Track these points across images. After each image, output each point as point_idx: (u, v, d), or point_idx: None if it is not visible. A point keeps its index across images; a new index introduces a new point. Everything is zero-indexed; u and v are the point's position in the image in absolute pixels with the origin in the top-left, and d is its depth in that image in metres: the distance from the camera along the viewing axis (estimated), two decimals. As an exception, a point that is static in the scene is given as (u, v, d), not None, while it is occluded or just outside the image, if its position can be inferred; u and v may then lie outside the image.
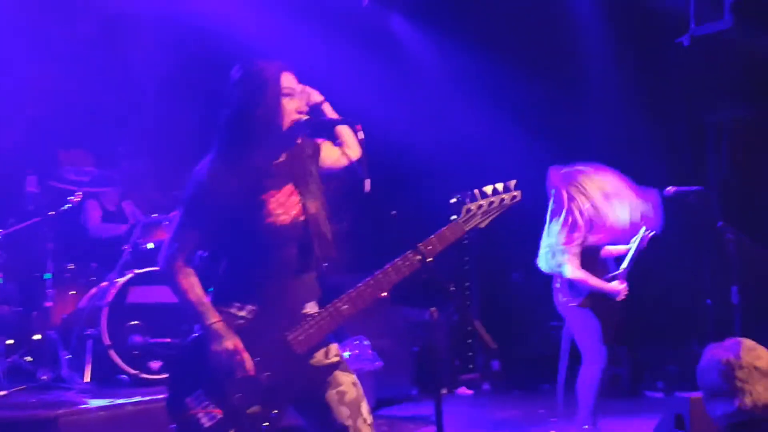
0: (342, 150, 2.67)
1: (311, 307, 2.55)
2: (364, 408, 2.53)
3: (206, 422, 2.39)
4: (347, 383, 2.53)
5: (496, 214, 2.58)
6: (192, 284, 2.48)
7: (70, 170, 5.56)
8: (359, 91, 6.71)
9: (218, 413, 2.40)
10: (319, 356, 2.52)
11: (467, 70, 7.50)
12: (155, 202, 6.12)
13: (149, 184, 6.61)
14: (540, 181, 4.61)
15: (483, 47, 7.37)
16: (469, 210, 2.54)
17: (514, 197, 2.58)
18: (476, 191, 2.55)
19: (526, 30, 7.40)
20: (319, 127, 2.57)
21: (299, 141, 2.57)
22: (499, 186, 2.57)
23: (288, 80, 2.51)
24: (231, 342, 2.40)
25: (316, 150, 2.64)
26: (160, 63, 6.84)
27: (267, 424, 2.42)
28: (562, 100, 7.43)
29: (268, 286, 2.49)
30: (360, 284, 2.50)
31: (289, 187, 2.54)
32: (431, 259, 2.45)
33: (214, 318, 2.44)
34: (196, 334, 2.50)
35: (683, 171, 6.84)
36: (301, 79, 2.56)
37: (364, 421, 2.50)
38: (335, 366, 2.54)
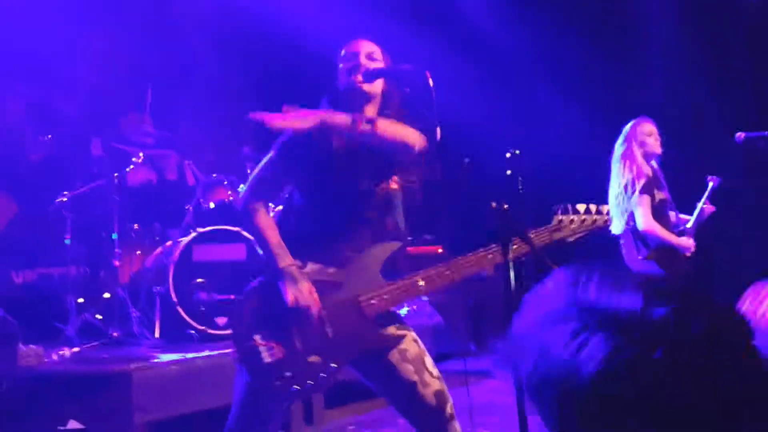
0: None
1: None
2: (428, 361, 2.49)
3: (266, 357, 2.38)
4: (407, 340, 2.49)
5: (584, 233, 2.58)
6: (270, 225, 2.49)
7: (131, 132, 5.65)
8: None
9: (280, 353, 2.39)
10: (385, 325, 2.49)
11: (532, 44, 7.30)
12: (213, 164, 6.20)
13: (207, 147, 6.69)
14: (602, 153, 4.52)
15: (546, 19, 7.17)
16: (561, 221, 2.54)
17: (605, 221, 2.60)
18: (569, 206, 2.56)
19: (595, 3, 7.17)
20: (390, 75, 2.56)
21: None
22: (593, 207, 2.58)
23: (367, 46, 2.54)
24: (304, 286, 2.39)
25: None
26: (216, 26, 6.86)
27: (324, 375, 2.41)
28: (625, 71, 7.20)
29: (349, 246, 2.49)
30: (441, 264, 2.46)
31: None
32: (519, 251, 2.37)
33: (288, 260, 2.43)
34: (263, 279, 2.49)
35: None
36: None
37: (431, 374, 2.47)
38: (400, 337, 2.49)
